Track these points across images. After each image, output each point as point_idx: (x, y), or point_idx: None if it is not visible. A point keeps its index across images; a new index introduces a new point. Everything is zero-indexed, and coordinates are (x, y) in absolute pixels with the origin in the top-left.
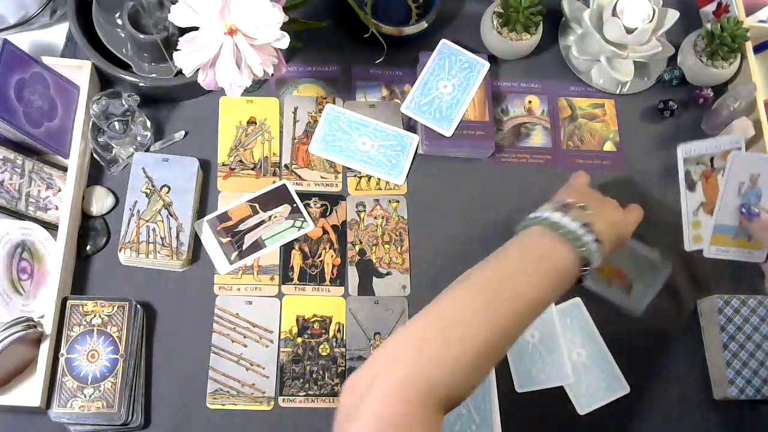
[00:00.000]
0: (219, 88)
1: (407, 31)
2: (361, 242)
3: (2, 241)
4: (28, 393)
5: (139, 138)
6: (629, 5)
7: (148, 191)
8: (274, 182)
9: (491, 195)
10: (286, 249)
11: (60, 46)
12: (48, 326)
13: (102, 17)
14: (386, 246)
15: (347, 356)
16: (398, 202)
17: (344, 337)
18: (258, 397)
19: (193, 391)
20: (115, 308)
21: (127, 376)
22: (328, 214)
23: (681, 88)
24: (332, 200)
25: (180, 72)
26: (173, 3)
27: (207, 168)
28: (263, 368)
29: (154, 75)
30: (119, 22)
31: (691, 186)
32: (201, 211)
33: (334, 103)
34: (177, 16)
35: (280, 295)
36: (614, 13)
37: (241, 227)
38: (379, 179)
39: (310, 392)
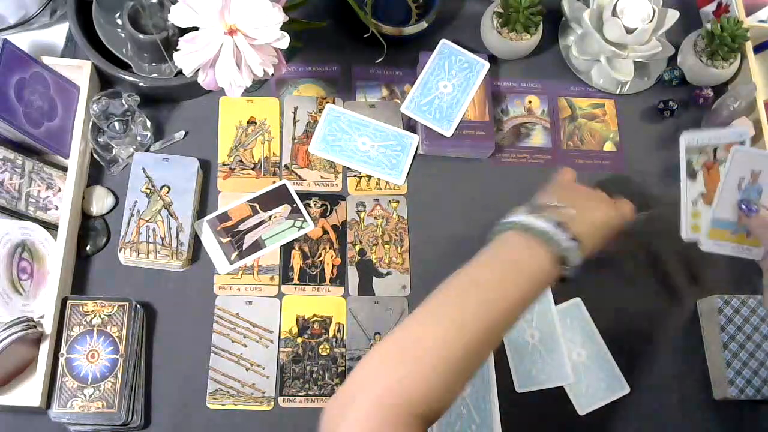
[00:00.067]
0: (219, 88)
1: (407, 31)
2: (361, 242)
3: (2, 241)
4: (28, 393)
5: (139, 138)
6: (629, 5)
7: (148, 191)
8: (274, 182)
9: (491, 195)
10: (286, 249)
11: (60, 46)
12: (48, 326)
13: (102, 17)
14: (386, 246)
15: (347, 356)
16: (398, 202)
17: (344, 337)
18: (258, 397)
19: (193, 391)
20: (115, 308)
21: (127, 376)
22: (328, 214)
23: (681, 88)
24: (332, 200)
25: (180, 72)
26: (173, 3)
27: (207, 168)
28: (263, 368)
29: (154, 75)
30: (119, 22)
31: (692, 175)
32: (201, 211)
33: (334, 103)
34: (177, 16)
35: (280, 295)
36: (614, 13)
37: (241, 227)
38: (379, 179)
39: (310, 392)
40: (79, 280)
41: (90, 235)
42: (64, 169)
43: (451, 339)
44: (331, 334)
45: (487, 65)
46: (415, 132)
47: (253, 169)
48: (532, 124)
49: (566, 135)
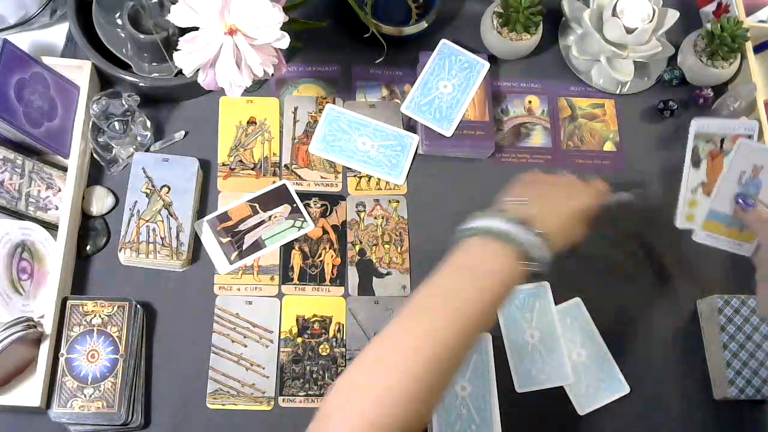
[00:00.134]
0: (219, 88)
1: (407, 31)
2: (361, 242)
3: (2, 241)
4: (28, 393)
5: (139, 138)
6: (629, 5)
7: (148, 191)
8: (274, 182)
9: (491, 195)
10: (286, 249)
11: (60, 46)
12: (48, 326)
13: (102, 17)
14: (386, 246)
15: (347, 356)
16: (398, 202)
17: (344, 337)
18: (258, 397)
19: (193, 391)
20: (115, 308)
21: (127, 376)
22: (328, 214)
23: (681, 88)
24: (332, 200)
25: (180, 72)
26: (173, 3)
27: (207, 168)
28: (263, 368)
29: (154, 75)
30: (119, 22)
31: (696, 163)
32: (201, 211)
33: (334, 103)
34: (177, 16)
35: (280, 295)
36: (614, 13)
37: (241, 227)
38: (379, 179)
39: (310, 392)
40: (79, 280)
41: (90, 235)
42: (64, 169)
43: (421, 355)
44: (331, 334)
45: (487, 65)
46: (415, 132)
47: (253, 169)
48: (532, 124)
49: (566, 135)
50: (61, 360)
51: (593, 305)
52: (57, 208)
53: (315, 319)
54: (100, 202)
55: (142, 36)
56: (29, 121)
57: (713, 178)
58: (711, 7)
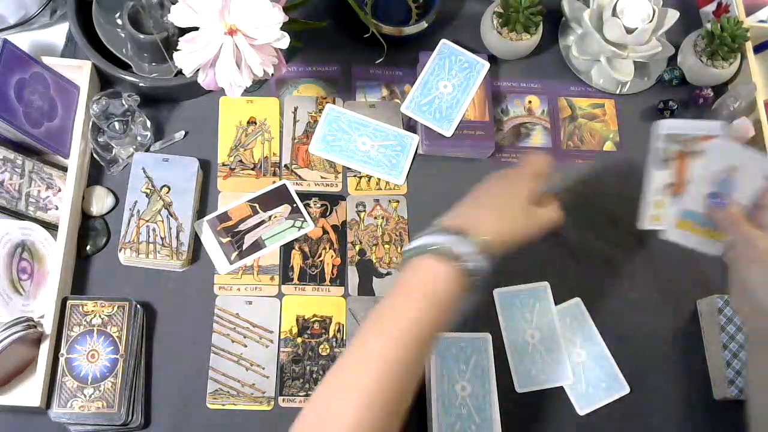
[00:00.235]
0: (219, 88)
1: (407, 31)
2: (361, 242)
3: (2, 241)
4: (28, 393)
5: (139, 138)
6: (629, 5)
7: (148, 191)
8: (274, 182)
9: None
10: (286, 249)
11: (60, 46)
12: (48, 326)
13: (102, 17)
14: (386, 246)
15: None
16: (398, 202)
17: (344, 337)
18: (258, 397)
19: (193, 391)
20: (115, 308)
21: (127, 376)
22: (328, 214)
23: (681, 88)
24: (332, 200)
25: (180, 72)
26: (173, 3)
27: (207, 168)
28: (263, 368)
29: (154, 75)
30: (119, 22)
31: (662, 164)
32: (201, 211)
33: (334, 103)
34: (177, 16)
35: (280, 295)
36: (614, 13)
37: (241, 227)
38: (379, 179)
39: (310, 392)
40: (79, 280)
41: (90, 235)
42: (64, 169)
43: (372, 376)
44: (331, 334)
45: (487, 65)
46: (415, 132)
47: (253, 169)
48: (532, 124)
49: (566, 135)
50: (61, 360)
51: (593, 305)
52: (57, 208)
53: (315, 319)
54: (100, 202)
55: (142, 36)
56: (29, 121)
57: (681, 178)
58: (711, 7)
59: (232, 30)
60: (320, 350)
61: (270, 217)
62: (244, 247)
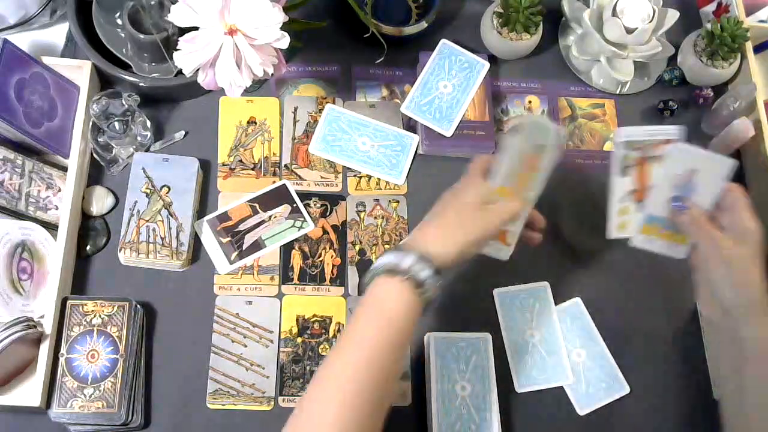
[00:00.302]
0: (219, 88)
1: (407, 31)
2: (361, 242)
3: (2, 241)
4: (28, 393)
5: (139, 138)
6: (629, 5)
7: (148, 191)
8: (274, 182)
9: None
10: (286, 249)
11: (60, 46)
12: (48, 326)
13: (102, 17)
14: (386, 246)
15: None
16: (398, 202)
17: None
18: (258, 397)
19: (193, 391)
20: (115, 308)
21: (127, 376)
22: (328, 214)
23: (681, 88)
24: (332, 200)
25: (180, 72)
26: (173, 3)
27: (207, 168)
28: (263, 368)
29: (155, 75)
30: (119, 22)
31: (624, 171)
32: (201, 211)
33: (334, 103)
34: (177, 16)
35: (280, 295)
36: (614, 13)
37: (241, 227)
38: (379, 179)
39: None
40: (79, 280)
41: (90, 235)
42: (64, 169)
43: (342, 392)
44: (331, 334)
45: (487, 65)
46: (415, 132)
47: (253, 169)
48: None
49: (566, 135)
50: (61, 360)
51: (593, 305)
52: (57, 208)
53: (315, 319)
54: (100, 202)
55: (142, 36)
56: (29, 121)
57: (643, 184)
58: (711, 7)
59: (232, 30)
60: (320, 350)
61: (270, 217)
62: (244, 247)
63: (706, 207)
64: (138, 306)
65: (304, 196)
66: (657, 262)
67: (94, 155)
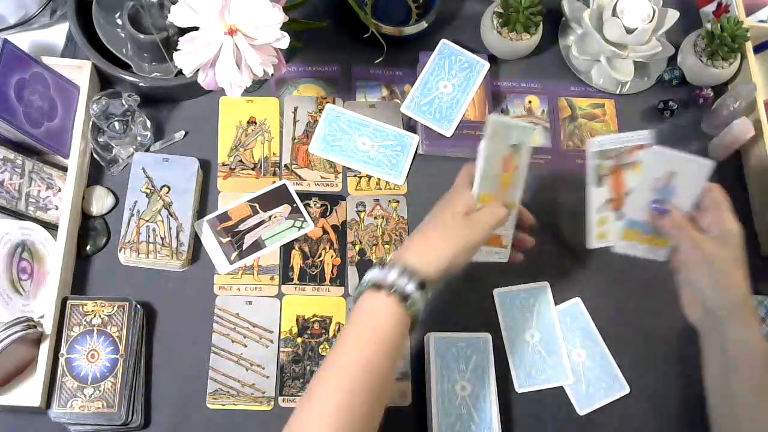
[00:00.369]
0: (219, 88)
1: (407, 31)
2: (361, 242)
3: (2, 241)
4: (28, 393)
5: (139, 138)
6: (629, 5)
7: (148, 191)
8: (274, 182)
9: None
10: (286, 249)
11: (60, 46)
12: (48, 326)
13: (102, 17)
14: (386, 246)
15: None
16: (398, 202)
17: None
18: (258, 397)
19: (193, 391)
20: (115, 308)
21: (127, 376)
22: (328, 214)
23: (681, 88)
24: (332, 200)
25: (180, 72)
26: (173, 3)
27: (207, 168)
28: (263, 368)
29: (155, 75)
30: (119, 22)
31: (599, 181)
32: (201, 211)
33: (334, 103)
34: (177, 16)
35: (280, 295)
36: (614, 13)
37: (241, 227)
38: (379, 179)
39: None
40: (79, 280)
41: (90, 235)
42: (64, 169)
43: (335, 406)
44: (331, 334)
45: (487, 65)
46: (415, 132)
47: (253, 169)
48: (533, 124)
49: (566, 135)
50: (61, 360)
51: (593, 305)
52: (57, 208)
53: (315, 319)
54: (100, 202)
55: (142, 36)
56: (29, 121)
57: (619, 193)
58: (711, 7)
59: (232, 30)
60: (320, 350)
61: (270, 217)
62: (244, 247)
63: (686, 209)
64: (138, 306)
65: (304, 196)
66: (656, 262)
67: (94, 155)
